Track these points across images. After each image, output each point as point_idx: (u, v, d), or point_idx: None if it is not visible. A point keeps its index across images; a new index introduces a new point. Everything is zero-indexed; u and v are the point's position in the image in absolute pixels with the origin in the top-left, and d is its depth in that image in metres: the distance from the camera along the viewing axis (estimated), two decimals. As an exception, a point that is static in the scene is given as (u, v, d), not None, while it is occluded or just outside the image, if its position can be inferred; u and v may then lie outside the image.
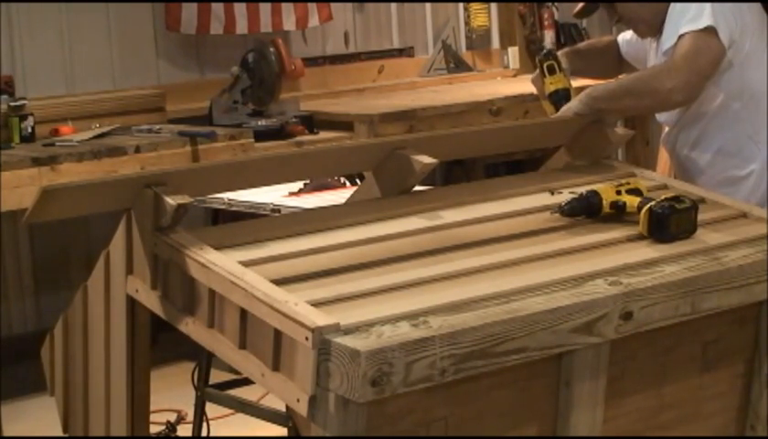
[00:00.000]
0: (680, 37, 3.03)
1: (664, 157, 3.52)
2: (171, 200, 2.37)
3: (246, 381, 3.01)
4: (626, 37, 3.42)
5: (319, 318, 2.02)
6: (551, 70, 3.17)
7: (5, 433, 4.32)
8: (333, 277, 2.28)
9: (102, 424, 2.68)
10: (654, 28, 3.18)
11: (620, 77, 3.33)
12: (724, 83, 3.09)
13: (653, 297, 2.26)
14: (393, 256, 2.39)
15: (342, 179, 3.81)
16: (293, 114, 5.19)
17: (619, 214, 2.60)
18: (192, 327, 2.35)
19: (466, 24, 6.67)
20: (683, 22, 3.04)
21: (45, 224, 3.89)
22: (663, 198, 2.54)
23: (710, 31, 3.01)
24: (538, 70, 3.20)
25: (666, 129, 3.30)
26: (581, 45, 3.61)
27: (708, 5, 3.03)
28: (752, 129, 3.12)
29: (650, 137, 6.13)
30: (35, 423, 4.28)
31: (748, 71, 3.10)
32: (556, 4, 6.97)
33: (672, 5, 3.10)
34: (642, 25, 3.22)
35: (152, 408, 2.73)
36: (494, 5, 6.75)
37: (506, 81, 6.49)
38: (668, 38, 3.07)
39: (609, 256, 2.43)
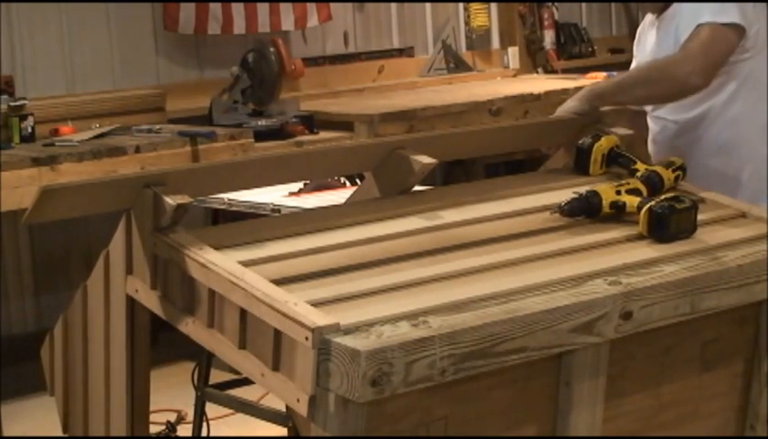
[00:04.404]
0: (698, 26, 3.02)
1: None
2: (171, 200, 2.37)
3: (246, 381, 3.01)
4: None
5: (319, 318, 2.02)
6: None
7: (5, 433, 4.32)
8: (333, 277, 2.28)
9: (102, 424, 2.68)
10: (657, 6, 3.21)
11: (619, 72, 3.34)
12: (733, 73, 3.10)
13: (652, 297, 2.26)
14: (393, 256, 2.39)
15: (342, 179, 3.81)
16: (293, 114, 5.20)
17: (619, 214, 2.60)
18: (192, 327, 2.35)
19: (466, 24, 6.68)
20: (701, 12, 3.04)
21: (45, 224, 3.90)
22: (663, 197, 2.55)
23: (731, 27, 3.03)
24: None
25: (656, 128, 3.29)
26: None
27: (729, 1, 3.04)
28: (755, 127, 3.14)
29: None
30: (35, 423, 4.28)
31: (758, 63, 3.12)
32: (556, 4, 6.97)
33: None
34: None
35: (152, 408, 2.73)
36: (494, 5, 6.76)
37: (506, 81, 6.50)
38: (685, 30, 3.06)
39: (608, 256, 2.43)
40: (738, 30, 3.05)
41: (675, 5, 3.17)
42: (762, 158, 3.15)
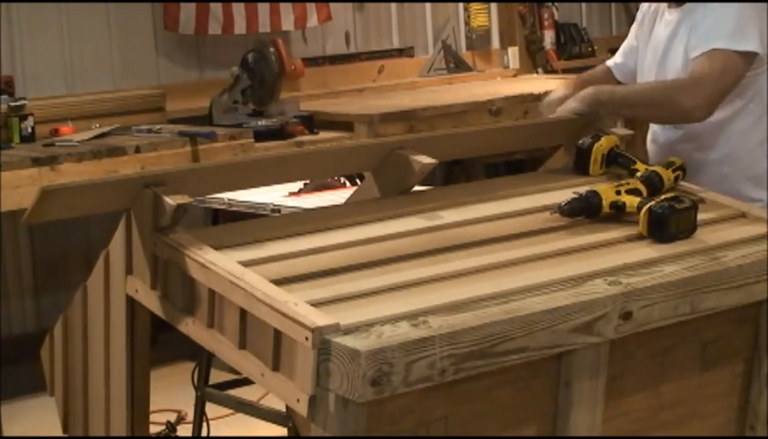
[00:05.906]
0: (712, 49, 2.98)
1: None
2: (171, 200, 2.37)
3: (246, 381, 3.01)
4: (617, 60, 3.42)
5: (319, 318, 2.02)
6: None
7: (5, 433, 4.32)
8: (333, 277, 2.28)
9: (102, 424, 2.68)
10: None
11: (626, 83, 3.32)
12: (741, 91, 3.07)
13: (652, 297, 2.26)
14: (393, 256, 2.39)
15: (342, 179, 3.81)
16: (293, 114, 5.20)
17: (619, 214, 2.60)
18: (192, 327, 2.35)
19: (466, 24, 6.68)
20: (719, 33, 2.99)
21: (45, 224, 3.89)
22: (663, 197, 2.55)
23: (745, 54, 2.99)
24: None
25: (657, 128, 3.29)
26: (585, 77, 3.47)
27: (749, 22, 2.99)
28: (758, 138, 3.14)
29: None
30: (35, 423, 4.28)
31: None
32: (556, 4, 6.97)
33: (710, 5, 3.06)
34: None
35: (152, 408, 2.73)
36: (494, 5, 6.76)
37: (506, 81, 6.50)
38: (698, 45, 3.02)
39: (608, 256, 2.43)
40: (751, 57, 3.00)
41: (689, 4, 3.11)
42: (761, 170, 3.14)
